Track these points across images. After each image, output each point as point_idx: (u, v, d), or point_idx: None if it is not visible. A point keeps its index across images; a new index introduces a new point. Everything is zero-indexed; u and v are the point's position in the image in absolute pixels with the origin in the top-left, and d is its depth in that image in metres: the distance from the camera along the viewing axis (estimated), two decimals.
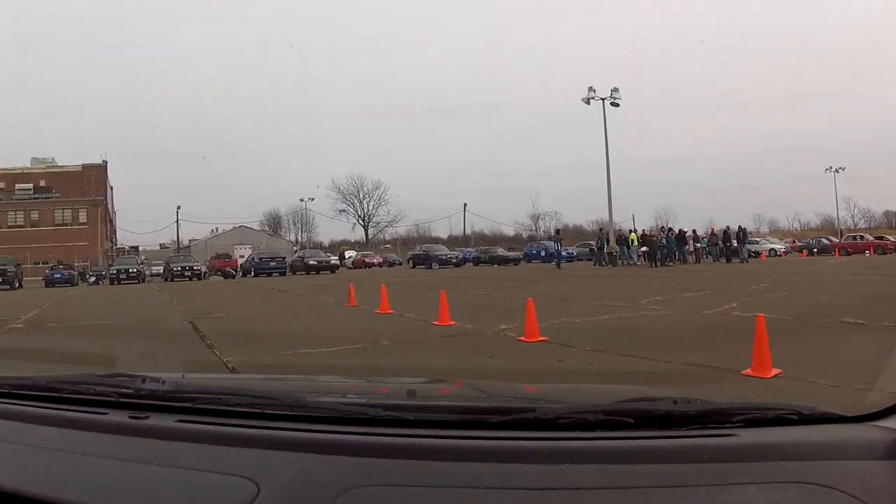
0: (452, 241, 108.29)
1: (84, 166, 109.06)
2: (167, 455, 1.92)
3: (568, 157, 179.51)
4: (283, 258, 61.13)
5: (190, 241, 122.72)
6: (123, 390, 2.37)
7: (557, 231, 59.65)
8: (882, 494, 1.67)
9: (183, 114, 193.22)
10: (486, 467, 1.78)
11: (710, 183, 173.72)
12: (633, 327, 13.12)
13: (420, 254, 65.74)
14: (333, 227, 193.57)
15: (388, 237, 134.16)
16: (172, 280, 53.75)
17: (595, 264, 51.90)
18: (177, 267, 56.53)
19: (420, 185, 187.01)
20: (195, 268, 56.53)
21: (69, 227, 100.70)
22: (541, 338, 11.15)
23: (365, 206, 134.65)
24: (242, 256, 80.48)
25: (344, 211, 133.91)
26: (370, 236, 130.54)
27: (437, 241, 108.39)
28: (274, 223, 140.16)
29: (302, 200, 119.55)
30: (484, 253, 69.87)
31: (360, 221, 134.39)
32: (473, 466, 1.78)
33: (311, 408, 2.20)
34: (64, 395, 2.39)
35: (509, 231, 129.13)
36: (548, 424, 2.01)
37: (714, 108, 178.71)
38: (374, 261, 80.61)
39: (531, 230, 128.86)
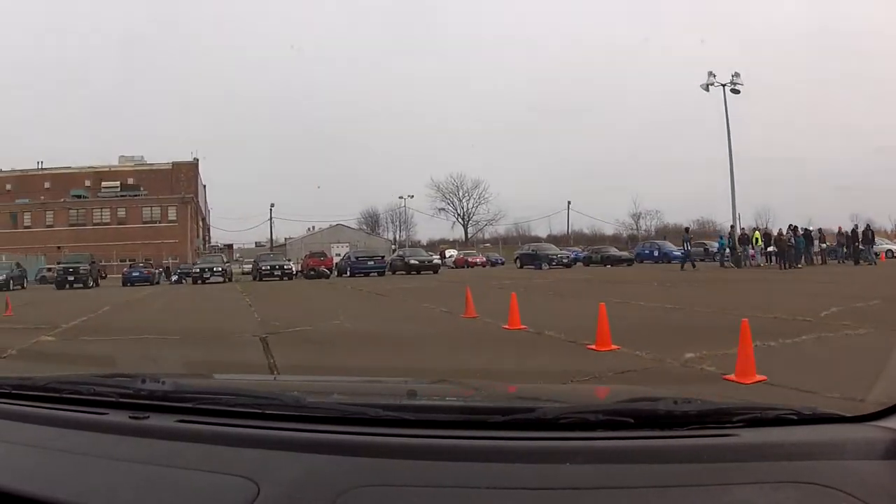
0: (552, 241, 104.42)
1: (174, 164, 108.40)
2: (167, 455, 1.93)
3: (667, 155, 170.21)
4: (382, 257, 57.84)
5: (286, 239, 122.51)
6: (123, 390, 2.39)
7: (687, 229, 54.99)
8: (882, 494, 1.69)
9: (281, 112, 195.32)
10: (487, 467, 1.80)
11: (809, 181, 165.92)
12: (859, 359, 9.03)
13: (528, 253, 61.85)
14: (431, 226, 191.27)
15: (486, 236, 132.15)
16: (261, 279, 51.38)
17: (720, 265, 49.12)
18: (266, 266, 53.57)
19: (518, 184, 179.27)
20: (285, 267, 53.77)
21: (158, 224, 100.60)
22: (759, 377, 7.92)
23: (464, 204, 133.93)
24: (339, 255, 77.92)
25: (443, 209, 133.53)
26: (469, 235, 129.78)
27: (536, 239, 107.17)
28: (371, 222, 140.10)
29: (401, 198, 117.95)
30: (595, 253, 66.47)
31: (460, 220, 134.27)
32: (474, 467, 1.80)
33: (311, 408, 2.22)
34: (64, 396, 2.40)
35: (608, 230, 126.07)
36: (548, 424, 2.02)
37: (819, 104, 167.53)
38: (477, 260, 78.49)
39: (632, 229, 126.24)
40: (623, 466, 1.79)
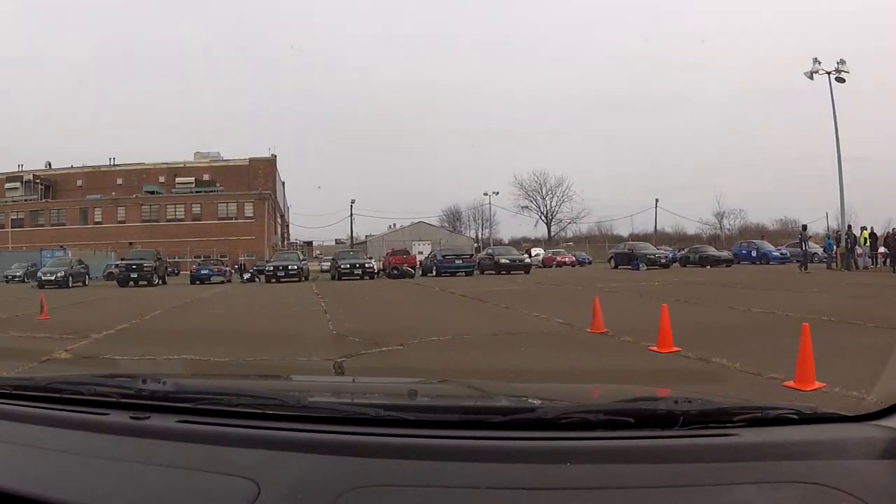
0: (635, 240, 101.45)
1: (251, 160, 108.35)
2: (168, 456, 1.95)
3: (747, 153, 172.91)
4: (470, 255, 53.80)
5: (366, 236, 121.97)
6: (124, 391, 2.40)
7: (804, 227, 50.70)
8: (882, 494, 1.71)
9: (362, 110, 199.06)
10: (487, 467, 1.82)
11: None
12: None
13: (624, 252, 57.89)
14: (513, 224, 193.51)
15: (568, 235, 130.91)
16: (339, 279, 47.28)
17: (826, 267, 46.95)
18: (345, 264, 48.83)
19: (598, 183, 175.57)
20: (366, 265, 49.30)
21: (234, 220, 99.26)
22: (818, 384, 7.19)
23: (547, 202, 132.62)
24: (421, 253, 75.90)
25: (526, 207, 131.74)
26: (552, 234, 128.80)
27: (618, 239, 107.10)
28: (453, 219, 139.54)
29: (486, 195, 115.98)
30: (693, 252, 62.00)
31: (543, 218, 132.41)
32: (474, 467, 1.82)
33: (311, 408, 2.24)
34: (65, 396, 2.42)
35: (690, 229, 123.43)
36: (549, 424, 2.04)
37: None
38: (566, 259, 75.91)
39: (716, 228, 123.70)
40: (624, 466, 1.80)
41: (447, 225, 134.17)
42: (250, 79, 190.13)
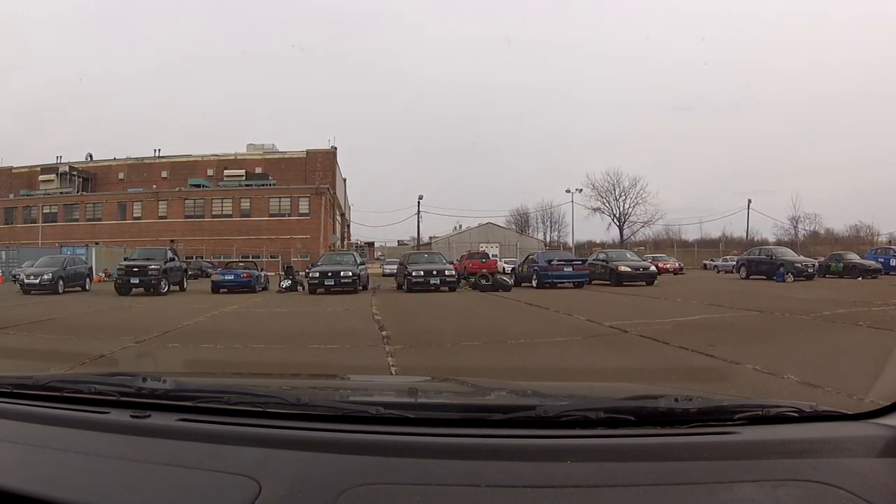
0: (706, 245, 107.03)
1: (308, 152, 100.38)
2: (169, 454, 1.95)
3: (818, 158, 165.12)
4: (583, 261, 41.67)
5: (430, 238, 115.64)
6: (125, 389, 2.42)
7: None
8: (882, 491, 1.71)
9: (427, 108, 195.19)
10: (488, 465, 1.81)
11: None
12: None
13: (761, 259, 47.16)
14: (583, 227, 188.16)
15: (638, 238, 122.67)
16: (410, 290, 34.54)
17: None
18: (417, 271, 35.73)
19: (667, 186, 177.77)
20: (447, 272, 36.12)
21: (287, 217, 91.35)
22: None
23: (621, 204, 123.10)
24: (496, 256, 70.42)
25: (598, 209, 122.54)
26: (624, 237, 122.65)
27: (685, 244, 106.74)
28: (521, 220, 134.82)
29: (568, 191, 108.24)
30: (835, 261, 51.72)
31: (616, 220, 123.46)
32: (475, 464, 1.82)
33: (312, 406, 2.25)
34: (65, 395, 2.43)
35: (767, 234, 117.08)
36: (549, 422, 2.07)
37: None
38: (668, 266, 65.17)
39: (791, 234, 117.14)
40: (624, 464, 1.81)
41: (514, 226, 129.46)
42: (314, 76, 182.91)
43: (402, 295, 33.50)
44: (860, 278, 45.64)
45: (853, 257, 53.24)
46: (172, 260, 38.93)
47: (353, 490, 1.66)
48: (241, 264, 45.35)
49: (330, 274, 35.00)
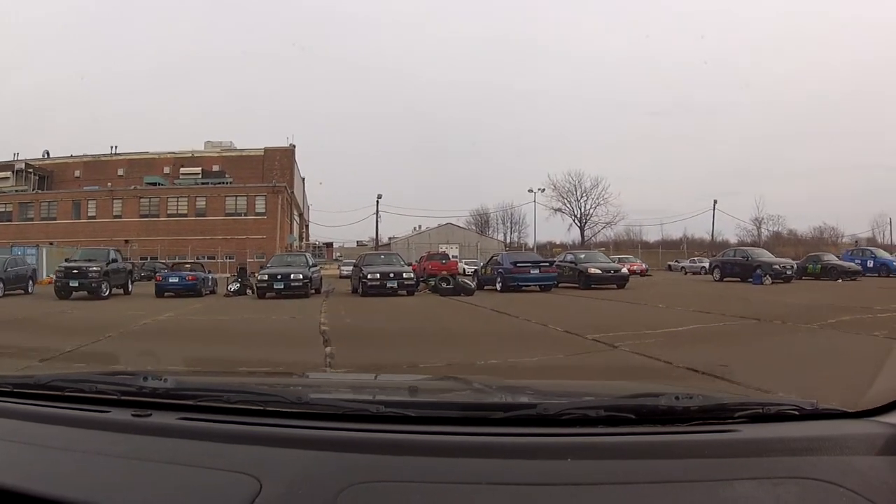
0: (666, 247, 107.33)
1: (266, 150, 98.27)
2: (169, 452, 1.93)
3: (781, 161, 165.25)
4: (550, 263, 39.18)
5: (389, 238, 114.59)
6: (125, 388, 2.40)
7: None
8: (882, 489, 1.70)
9: (396, 112, 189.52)
10: (489, 463, 1.81)
11: None
12: None
13: (737, 261, 45.75)
14: (543, 228, 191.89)
15: (599, 240, 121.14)
16: (365, 294, 32.44)
17: None
18: (373, 274, 33.41)
19: (628, 188, 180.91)
20: (405, 275, 33.96)
21: (243, 216, 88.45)
22: None
23: (582, 204, 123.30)
24: (456, 257, 69.80)
25: (560, 210, 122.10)
26: (585, 238, 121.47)
27: (647, 245, 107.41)
28: (481, 221, 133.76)
29: (531, 191, 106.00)
30: (812, 262, 50.32)
31: (577, 221, 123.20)
32: (476, 462, 1.81)
33: (312, 405, 2.25)
34: (66, 394, 2.41)
35: (731, 237, 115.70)
36: (549, 420, 2.05)
37: None
38: (635, 267, 62.55)
39: (753, 235, 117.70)
40: (625, 462, 1.80)
41: (475, 227, 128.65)
42: (273, 73, 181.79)
43: (356, 300, 31.49)
44: (839, 280, 44.43)
45: (831, 259, 51.84)
46: (115, 261, 36.86)
47: (354, 488, 1.65)
48: (187, 266, 42.96)
49: (279, 277, 32.68)
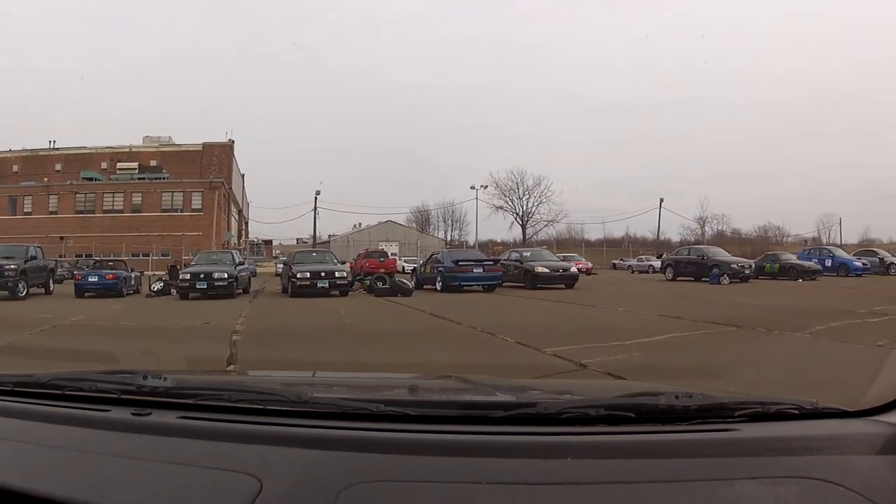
0: (609, 245, 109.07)
1: (205, 145, 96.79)
2: (169, 452, 1.94)
3: (724, 162, 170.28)
4: (495, 261, 37.65)
5: (329, 236, 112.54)
6: (125, 387, 2.39)
7: None
8: (882, 489, 1.71)
9: (341, 109, 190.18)
10: (489, 462, 1.81)
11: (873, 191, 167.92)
12: None
13: (691, 259, 44.35)
14: (485, 226, 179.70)
15: (541, 238, 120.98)
16: (294, 295, 30.77)
17: None
18: (303, 273, 31.53)
19: (571, 186, 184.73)
20: (337, 274, 32.16)
21: (179, 213, 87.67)
22: None
23: (524, 203, 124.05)
24: (395, 254, 69.17)
25: (501, 207, 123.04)
26: (527, 236, 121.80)
27: (590, 244, 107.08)
28: (422, 219, 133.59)
29: (473, 188, 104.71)
30: (770, 261, 48.15)
31: (518, 220, 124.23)
32: (476, 461, 1.82)
33: (313, 404, 2.24)
34: (66, 393, 2.40)
35: (674, 236, 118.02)
36: (549, 419, 2.06)
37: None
38: (581, 266, 57.09)
39: (697, 234, 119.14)
40: (625, 461, 1.81)
41: (415, 225, 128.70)
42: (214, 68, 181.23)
43: (283, 301, 29.83)
44: (799, 280, 43.42)
45: (790, 258, 50.44)
46: (35, 258, 34.59)
47: (355, 487, 1.66)
48: (110, 264, 38.93)
49: (202, 276, 30.87)
